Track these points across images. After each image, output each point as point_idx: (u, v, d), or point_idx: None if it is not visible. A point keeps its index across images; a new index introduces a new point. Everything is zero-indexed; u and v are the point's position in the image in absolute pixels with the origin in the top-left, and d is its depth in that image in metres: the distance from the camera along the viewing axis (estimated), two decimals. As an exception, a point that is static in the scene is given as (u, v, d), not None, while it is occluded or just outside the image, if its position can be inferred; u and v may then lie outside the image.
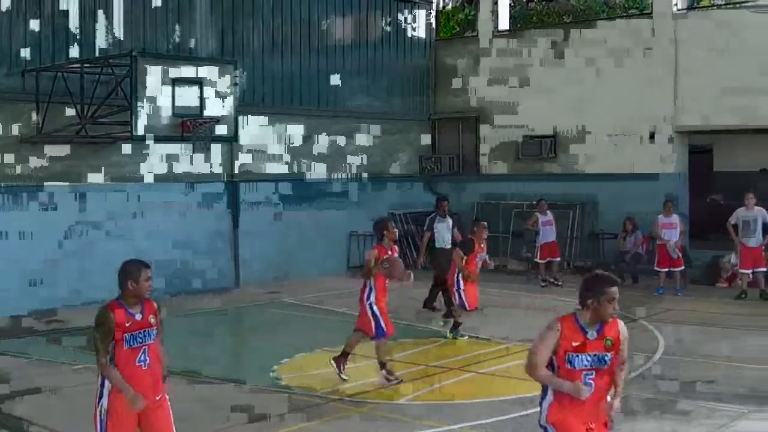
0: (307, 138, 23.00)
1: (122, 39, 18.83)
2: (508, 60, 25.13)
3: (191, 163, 19.97)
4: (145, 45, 18.94)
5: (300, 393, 11.36)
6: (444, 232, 17.50)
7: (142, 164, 19.24)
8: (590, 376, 6.23)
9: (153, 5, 19.43)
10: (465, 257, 14.59)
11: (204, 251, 20.14)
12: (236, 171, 21.34)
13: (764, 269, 18.67)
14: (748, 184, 20.65)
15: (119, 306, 7.01)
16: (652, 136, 22.77)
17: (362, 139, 24.58)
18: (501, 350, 13.75)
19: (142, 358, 6.99)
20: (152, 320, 7.10)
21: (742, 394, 10.84)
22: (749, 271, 18.79)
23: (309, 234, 22.67)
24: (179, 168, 19.86)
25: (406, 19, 25.98)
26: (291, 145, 22.62)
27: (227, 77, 17.59)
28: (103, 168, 18.79)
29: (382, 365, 11.66)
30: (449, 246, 17.16)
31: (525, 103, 24.68)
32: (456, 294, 14.68)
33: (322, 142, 23.42)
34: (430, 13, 26.90)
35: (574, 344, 6.21)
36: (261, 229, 21.70)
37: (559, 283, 20.76)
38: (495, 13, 26.02)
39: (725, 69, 21.45)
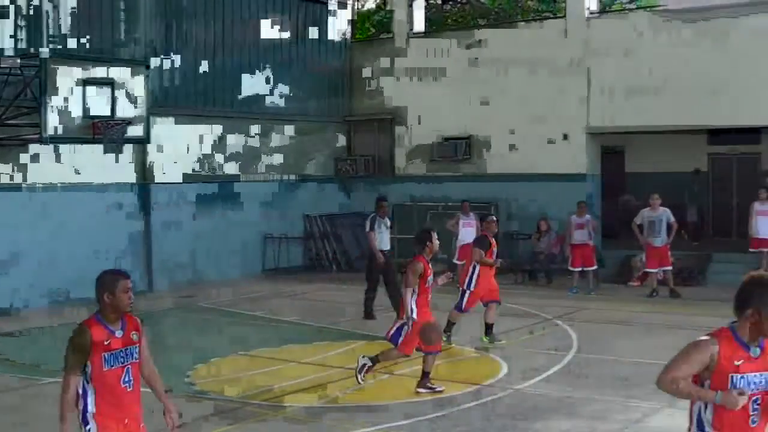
0: (222, 139, 22.79)
1: (32, 39, 18.38)
2: (424, 62, 25.20)
3: (102, 165, 19.60)
4: (55, 45, 18.52)
5: (215, 398, 11.20)
6: (383, 234, 17.01)
7: (51, 166, 18.82)
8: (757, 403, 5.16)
9: (65, 5, 19.00)
10: (483, 253, 14.13)
11: (114, 255, 19.69)
12: (148, 173, 21.01)
13: (670, 267, 19.09)
14: (660, 184, 21.03)
15: (97, 322, 6.24)
16: (565, 137, 23.03)
17: (277, 140, 24.46)
18: (415, 352, 13.71)
19: (126, 379, 6.26)
20: (135, 337, 6.35)
21: (655, 390, 10.95)
22: (656, 270, 19.15)
23: (224, 237, 22.47)
24: (90, 170, 19.48)
25: (321, 20, 25.88)
26: (205, 147, 22.38)
27: (139, 78, 17.33)
28: (11, 170, 18.34)
29: (374, 362, 11.18)
30: (387, 248, 16.99)
31: (440, 105, 24.77)
32: (459, 294, 14.26)
33: (236, 143, 23.23)
34: (346, 14, 26.85)
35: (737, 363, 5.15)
36: (174, 232, 21.42)
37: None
38: (410, 16, 26.09)
39: (635, 71, 21.85)
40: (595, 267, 19.97)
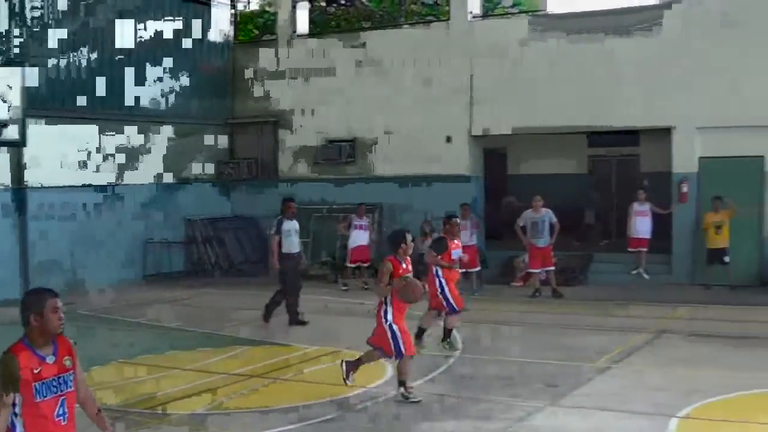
0: (100, 141, 22.20)
1: None
2: (308, 64, 25.09)
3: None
4: None
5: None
6: (292, 236, 16.28)
7: None
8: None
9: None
10: (438, 256, 13.64)
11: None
12: (24, 176, 20.36)
13: (553, 268, 19.39)
14: (542, 186, 21.37)
15: (25, 348, 5.58)
16: (449, 140, 23.19)
17: (157, 142, 23.93)
18: (300, 355, 13.62)
19: (60, 412, 5.66)
20: (68, 363, 5.75)
21: (538, 389, 11.11)
22: (540, 271, 19.44)
23: (103, 242, 21.97)
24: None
25: (204, 21, 25.49)
26: (83, 149, 21.78)
27: (14, 79, 16.78)
28: None
29: (401, 383, 10.85)
30: (297, 251, 16.47)
31: (324, 108, 24.71)
32: (441, 298, 13.57)
33: (115, 145, 22.64)
34: (229, 15, 26.54)
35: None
36: (52, 238, 20.80)
37: (368, 286, 20.91)
38: (294, 17, 25.91)
39: (517, 74, 22.17)
40: (478, 268, 20.13)
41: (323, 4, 27.77)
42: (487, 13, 23.99)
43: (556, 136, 22.64)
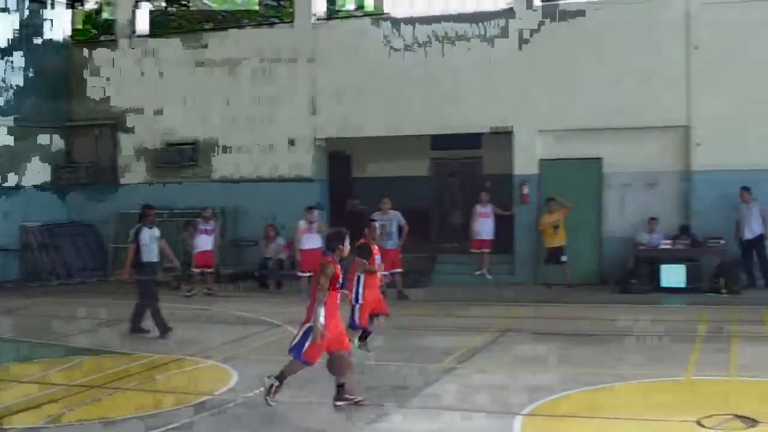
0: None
1: None
2: (147, 65, 24.56)
3: None
4: None
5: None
6: (152, 244, 15.61)
7: None
8: None
9: None
10: (366, 263, 13.25)
11: None
12: None
13: (401, 270, 19.51)
14: (386, 188, 21.48)
15: None
16: (292, 143, 23.10)
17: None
18: (144, 364, 13.27)
19: None
20: None
21: (385, 391, 11.11)
22: (388, 273, 19.46)
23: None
24: None
25: (40, 19, 24.60)
26: None
27: None
28: None
29: (281, 377, 10.36)
30: (156, 260, 15.86)
31: (165, 110, 24.26)
32: (351, 311, 13.08)
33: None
34: (66, 14, 25.72)
35: None
36: None
37: (212, 291, 20.62)
38: (133, 17, 25.27)
39: (361, 77, 22.29)
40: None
41: (164, 4, 27.15)
42: (330, 16, 23.96)
43: (401, 139, 22.80)
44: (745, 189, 19.37)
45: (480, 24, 21.64)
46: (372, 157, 25.74)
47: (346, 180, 26.34)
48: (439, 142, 24.49)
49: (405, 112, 21.98)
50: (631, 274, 19.60)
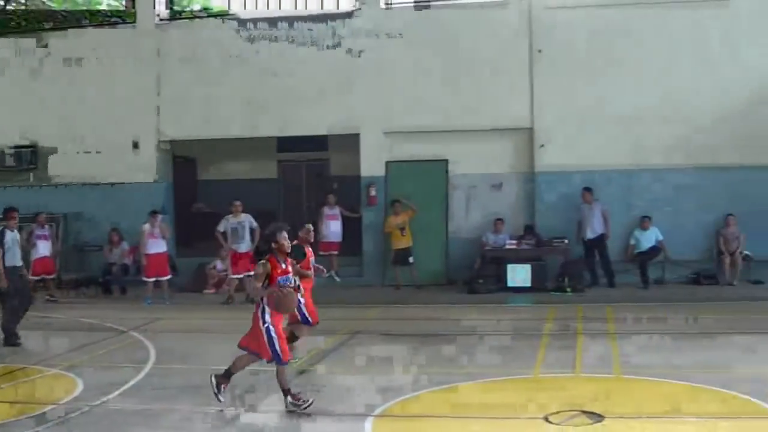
0: None
1: None
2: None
3: None
4: None
5: None
6: (13, 249, 15.01)
7: None
8: None
9: None
10: (299, 263, 12.30)
11: None
12: None
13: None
14: (233, 191, 21.26)
15: None
16: (136, 146, 22.59)
17: None
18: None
19: None
20: None
21: (236, 395, 10.92)
22: (242, 276, 19.23)
23: None
24: None
25: None
26: None
27: None
28: None
29: (286, 392, 10.06)
30: (20, 264, 15.22)
31: (1, 112, 23.33)
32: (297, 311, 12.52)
33: None
34: None
35: None
36: None
37: (54, 298, 19.94)
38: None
39: (206, 80, 21.99)
40: (169, 276, 19.75)
41: (1, 3, 26.16)
42: (174, 16, 23.52)
43: (247, 142, 22.59)
44: (587, 190, 19.97)
45: (326, 24, 21.64)
46: (218, 159, 25.41)
47: (192, 183, 25.93)
48: (286, 144, 24.36)
49: (251, 114, 21.82)
50: (477, 275, 19.91)
